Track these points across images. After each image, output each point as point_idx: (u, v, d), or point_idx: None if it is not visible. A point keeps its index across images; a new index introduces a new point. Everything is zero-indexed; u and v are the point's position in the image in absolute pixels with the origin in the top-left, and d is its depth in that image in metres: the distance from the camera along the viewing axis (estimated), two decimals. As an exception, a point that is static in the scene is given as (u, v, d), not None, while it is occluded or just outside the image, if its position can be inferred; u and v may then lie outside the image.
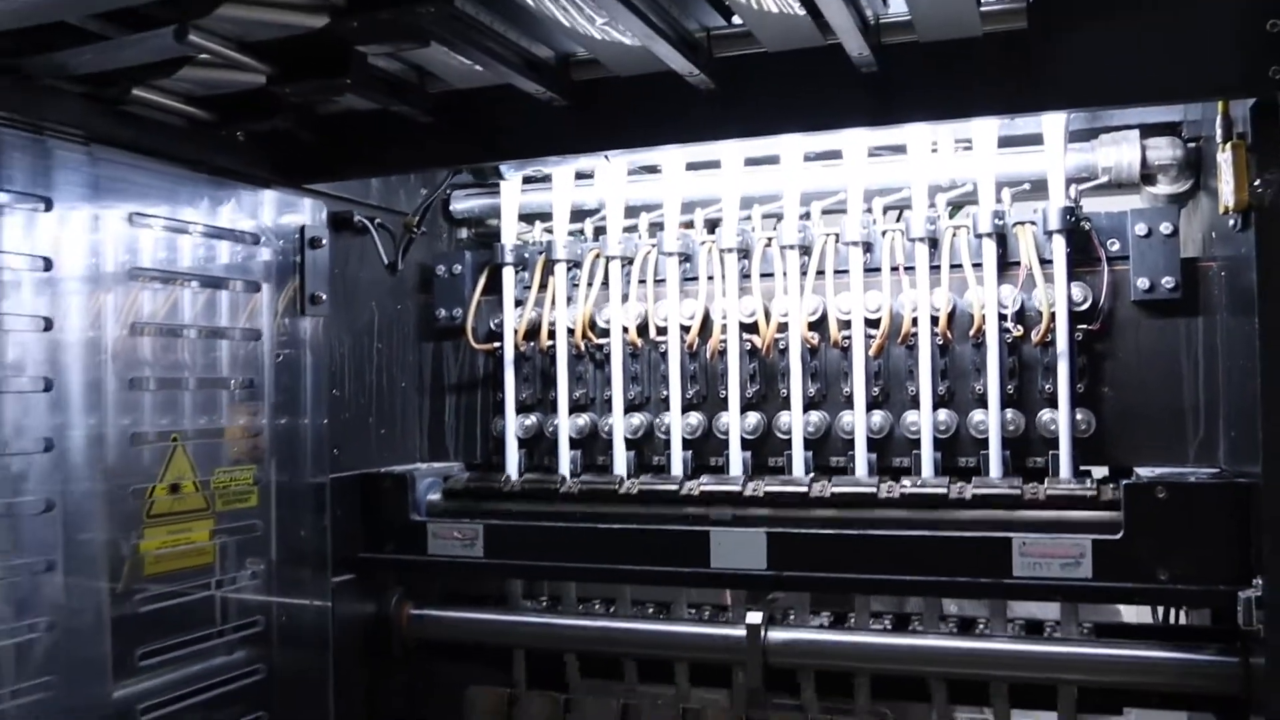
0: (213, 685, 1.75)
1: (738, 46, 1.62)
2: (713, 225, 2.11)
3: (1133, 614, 2.38)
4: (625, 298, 2.11)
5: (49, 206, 1.49)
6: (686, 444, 2.08)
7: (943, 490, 1.85)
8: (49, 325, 1.48)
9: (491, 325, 2.23)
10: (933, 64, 1.58)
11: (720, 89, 1.63)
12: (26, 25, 1.29)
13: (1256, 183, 1.54)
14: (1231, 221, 1.62)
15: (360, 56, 1.44)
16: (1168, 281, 1.86)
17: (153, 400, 1.65)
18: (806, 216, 2.03)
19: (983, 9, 1.50)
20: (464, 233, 2.44)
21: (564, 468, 2.12)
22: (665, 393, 2.09)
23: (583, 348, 2.14)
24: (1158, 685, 1.84)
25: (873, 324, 1.98)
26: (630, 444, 2.11)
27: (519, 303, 2.18)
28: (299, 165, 1.89)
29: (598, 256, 2.13)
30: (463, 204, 2.35)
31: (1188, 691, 1.83)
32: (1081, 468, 1.90)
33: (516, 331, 2.17)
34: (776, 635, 1.92)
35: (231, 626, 1.80)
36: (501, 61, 1.51)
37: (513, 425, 2.17)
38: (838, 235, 2.00)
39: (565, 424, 2.13)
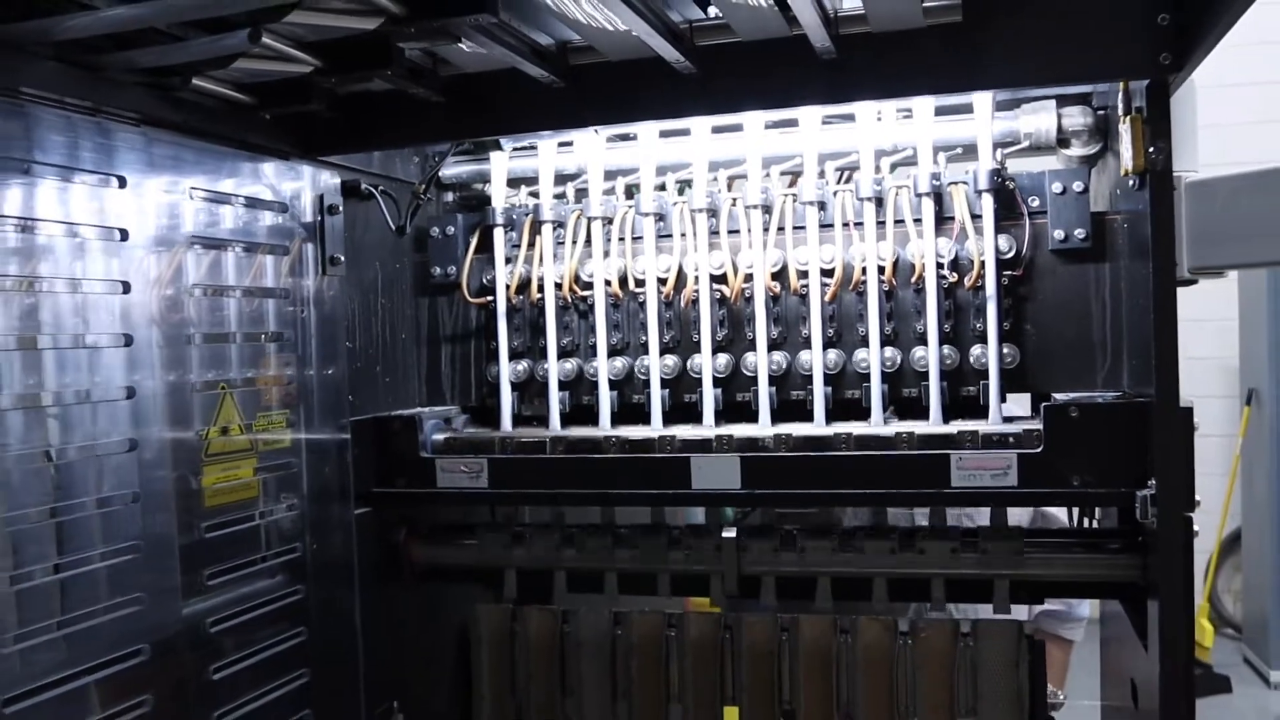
0: (262, 604, 2.01)
1: (715, 36, 1.89)
2: (683, 187, 2.39)
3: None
4: (606, 254, 2.39)
5: (122, 184, 1.72)
6: (664, 383, 2.37)
7: (890, 435, 2.15)
8: (126, 288, 1.72)
9: (484, 281, 2.49)
10: (882, 50, 1.87)
11: (700, 72, 1.91)
12: (115, 31, 1.52)
13: (1151, 149, 1.86)
14: (1131, 182, 1.95)
15: (400, 51, 1.68)
16: (1079, 233, 2.20)
17: (206, 353, 1.89)
18: (768, 178, 2.33)
19: (925, 5, 1.80)
20: (449, 196, 2.68)
21: (553, 407, 2.40)
22: (644, 338, 2.37)
23: (569, 300, 2.42)
24: (1073, 577, 2.21)
25: (827, 274, 2.29)
26: (613, 385, 2.40)
27: (509, 260, 2.45)
28: (318, 140, 2.12)
29: (580, 217, 2.40)
30: (450, 170, 2.60)
31: (1098, 581, 2.20)
32: (1008, 395, 2.24)
33: (508, 286, 2.43)
34: (750, 545, 2.24)
35: (274, 553, 2.06)
36: (516, 52, 1.77)
37: (506, 370, 2.45)
38: (795, 196, 2.30)
39: (554, 368, 2.41)
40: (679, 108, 2.01)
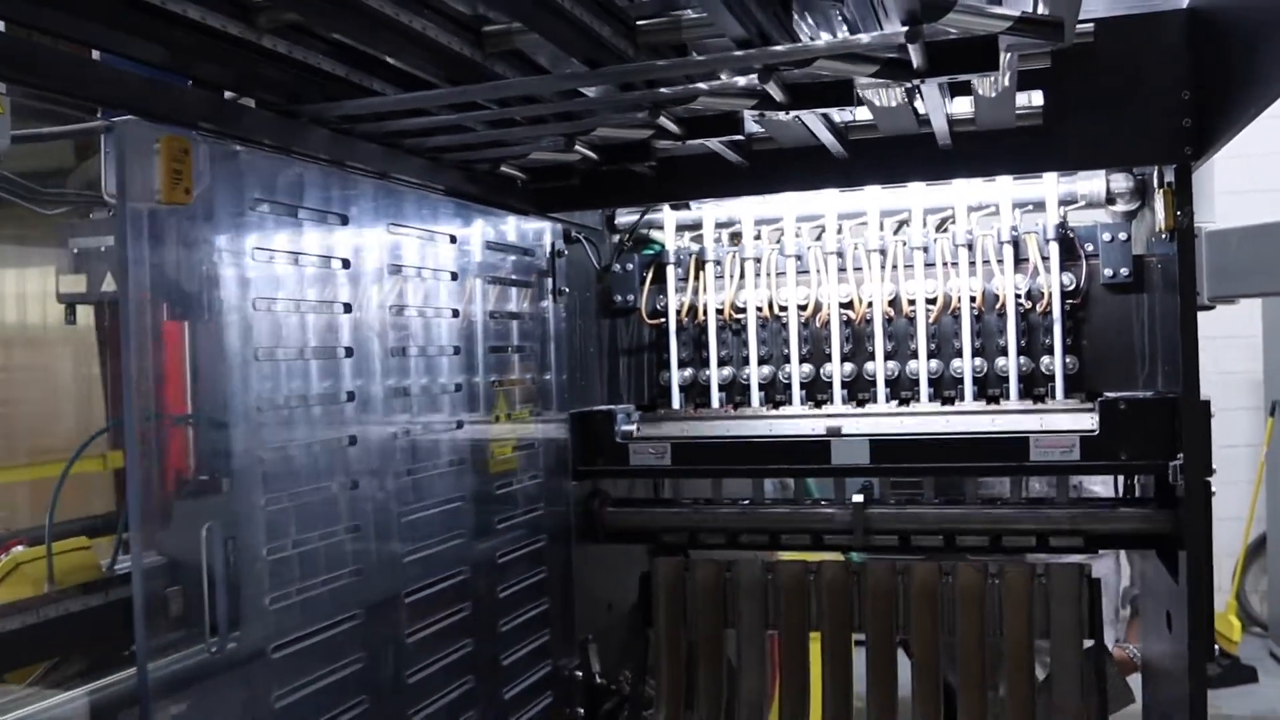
0: (520, 547, 2.84)
1: (863, 133, 2.73)
2: (818, 233, 3.23)
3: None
4: (756, 286, 3.23)
5: (453, 240, 2.55)
6: (802, 386, 3.20)
7: (983, 422, 2.97)
8: (455, 314, 2.55)
9: (657, 306, 3.33)
10: (984, 143, 2.70)
11: (850, 156, 2.74)
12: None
13: (1178, 213, 2.69)
14: (1164, 234, 2.78)
15: (654, 147, 2.52)
16: (1124, 271, 3.03)
17: (492, 361, 2.72)
18: (883, 229, 3.16)
19: (1017, 112, 2.62)
20: (615, 238, 3.52)
21: (714, 404, 3.23)
22: (786, 351, 3.21)
23: (727, 321, 3.26)
24: (1123, 530, 3.02)
25: (930, 302, 3.12)
26: (760, 387, 3.24)
27: (678, 290, 3.28)
28: (556, 201, 2.96)
29: (735, 257, 3.24)
30: (623, 218, 3.44)
31: (1141, 534, 3.00)
32: (1071, 394, 3.07)
33: (678, 311, 3.27)
34: (873, 510, 3.06)
35: (523, 511, 2.88)
36: (725, 145, 2.61)
37: (675, 376, 3.28)
38: (905, 241, 3.14)
39: (715, 374, 3.25)
40: (830, 180, 2.84)
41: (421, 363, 2.46)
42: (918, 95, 2.33)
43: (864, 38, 1.84)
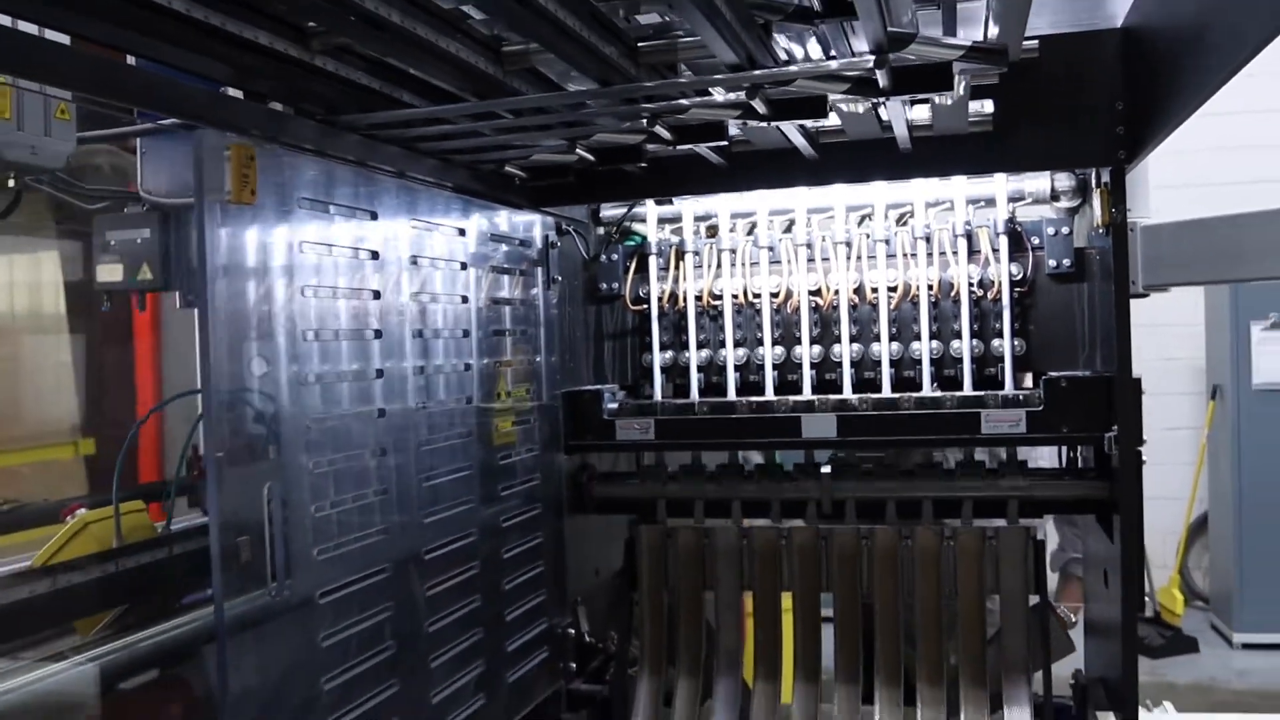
0: (519, 514, 3.14)
1: (832, 136, 3.04)
2: (788, 227, 3.55)
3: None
4: (732, 275, 3.54)
5: (461, 233, 2.85)
6: (774, 367, 3.53)
7: (939, 398, 3.32)
8: (465, 300, 2.85)
9: (639, 293, 3.64)
10: (939, 147, 3.03)
11: (820, 157, 3.06)
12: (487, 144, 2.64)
13: (1113, 210, 3.04)
14: (1101, 229, 3.12)
15: (645, 150, 2.83)
16: (1066, 262, 3.38)
17: (494, 343, 3.02)
18: (848, 222, 3.49)
19: (969, 119, 2.95)
20: (599, 230, 3.82)
21: (694, 385, 3.55)
22: (760, 335, 3.53)
23: (705, 307, 3.57)
24: (1064, 497, 3.37)
25: (891, 290, 3.46)
26: (736, 369, 3.56)
27: (660, 278, 3.59)
28: (548, 197, 3.26)
29: (712, 249, 3.56)
30: (607, 212, 3.74)
31: (1081, 499, 3.36)
32: (1019, 373, 3.42)
33: (660, 298, 3.59)
34: (839, 481, 3.40)
35: (521, 481, 3.18)
36: (710, 150, 2.92)
37: (658, 358, 3.60)
38: (869, 234, 3.47)
39: (694, 356, 3.57)
40: (801, 179, 3.16)
41: (437, 344, 2.76)
42: (882, 105, 2.65)
43: (835, 64, 2.16)
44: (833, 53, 2.28)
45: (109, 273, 2.89)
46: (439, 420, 2.76)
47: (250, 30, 1.94)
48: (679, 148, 2.78)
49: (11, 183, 2.49)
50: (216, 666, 1.98)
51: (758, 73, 2.15)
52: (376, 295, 2.49)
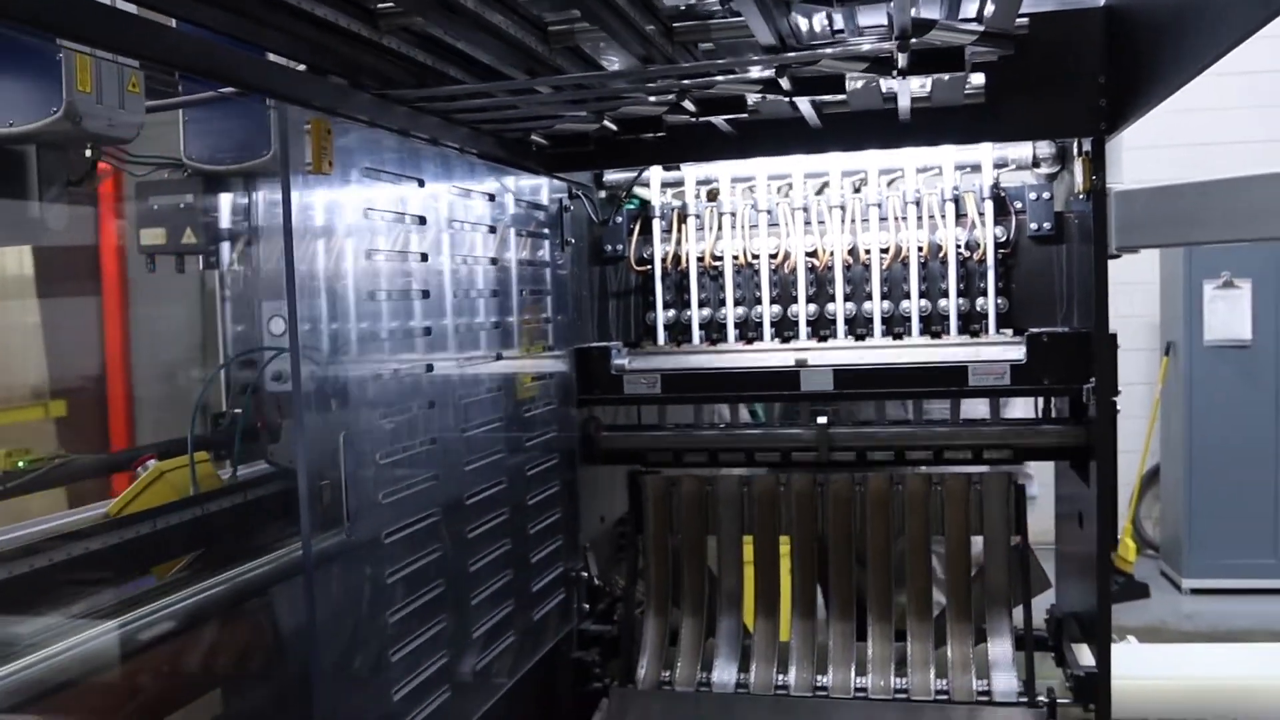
0: (540, 463, 3.38)
1: (837, 107, 3.28)
2: (786, 191, 3.79)
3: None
4: (732, 237, 3.78)
5: (491, 199, 3.06)
6: (772, 324, 3.78)
7: (929, 353, 3.60)
8: (494, 261, 3.07)
9: (644, 255, 3.87)
10: (937, 117, 3.29)
11: (825, 126, 3.30)
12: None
13: (1094, 177, 3.31)
14: (1080, 194, 3.40)
15: (665, 120, 3.05)
16: (1047, 225, 3.66)
17: (513, 302, 3.24)
18: (843, 187, 3.74)
19: (965, 92, 3.20)
20: (603, 194, 4.04)
21: (695, 340, 3.80)
22: (759, 294, 3.78)
23: (706, 268, 3.81)
24: (1044, 444, 3.67)
25: (883, 251, 3.72)
26: (736, 326, 3.81)
27: (663, 240, 3.82)
28: (563, 163, 3.47)
29: (714, 212, 3.79)
30: (611, 176, 3.96)
31: (1059, 446, 3.66)
32: (1002, 329, 3.70)
33: (664, 259, 3.82)
34: (835, 430, 3.67)
35: (540, 433, 3.42)
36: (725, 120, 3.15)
37: (661, 316, 3.84)
38: (862, 198, 3.72)
39: (696, 314, 3.81)
40: (805, 147, 3.40)
41: (470, 303, 2.97)
42: (892, 81, 2.89)
43: (863, 45, 2.39)
44: (848, 31, 2.51)
45: (153, 236, 3.07)
46: (475, 375, 2.98)
47: (323, 9, 2.13)
48: (698, 119, 3.00)
49: (89, 152, 2.65)
50: (305, 599, 2.20)
51: (791, 55, 2.38)
52: (424, 258, 2.70)
